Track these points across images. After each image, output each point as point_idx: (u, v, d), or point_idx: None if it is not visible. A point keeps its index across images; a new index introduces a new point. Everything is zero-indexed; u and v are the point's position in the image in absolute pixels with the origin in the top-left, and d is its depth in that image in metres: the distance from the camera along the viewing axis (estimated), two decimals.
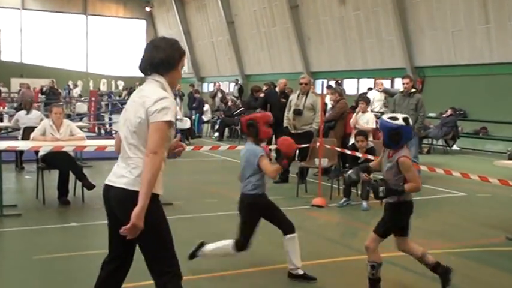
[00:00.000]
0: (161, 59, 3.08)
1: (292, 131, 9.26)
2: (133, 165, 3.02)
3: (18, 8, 35.89)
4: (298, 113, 9.26)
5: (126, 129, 3.09)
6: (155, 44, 3.14)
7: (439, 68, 18.62)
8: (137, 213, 2.85)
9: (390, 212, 4.35)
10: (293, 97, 9.55)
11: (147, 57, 3.12)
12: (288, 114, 9.42)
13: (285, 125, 9.41)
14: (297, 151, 9.37)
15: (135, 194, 2.91)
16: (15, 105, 17.91)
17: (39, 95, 24.16)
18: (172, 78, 3.14)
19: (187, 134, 16.41)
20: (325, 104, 10.51)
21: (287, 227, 4.67)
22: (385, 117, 4.37)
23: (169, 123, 2.99)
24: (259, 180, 4.60)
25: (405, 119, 4.24)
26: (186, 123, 16.28)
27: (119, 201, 3.04)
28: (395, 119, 4.24)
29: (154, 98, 2.99)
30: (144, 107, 2.99)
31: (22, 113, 10.72)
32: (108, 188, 3.12)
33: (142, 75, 3.26)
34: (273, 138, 9.58)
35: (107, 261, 3.25)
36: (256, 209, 4.64)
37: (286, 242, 4.66)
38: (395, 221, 4.35)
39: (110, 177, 3.13)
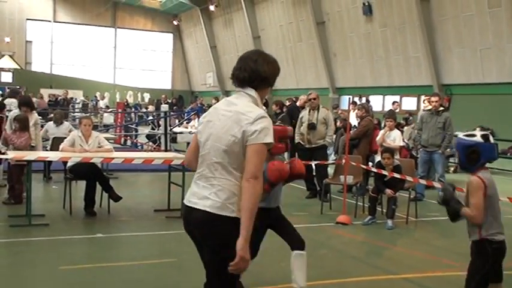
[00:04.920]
0: (266, 73, 2.91)
1: (307, 146, 9.33)
2: (219, 187, 2.78)
3: (50, 21, 36.79)
4: (312, 127, 9.31)
5: (210, 146, 2.84)
6: (260, 57, 2.95)
7: (467, 86, 18.43)
8: (243, 245, 2.65)
9: (475, 256, 3.71)
10: (304, 113, 9.57)
11: (251, 68, 2.90)
12: (301, 130, 9.45)
13: (297, 141, 9.43)
14: (314, 167, 9.39)
15: (221, 218, 2.74)
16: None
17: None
18: (263, 95, 2.95)
19: None
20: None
21: (295, 242, 4.42)
22: (461, 134, 3.89)
23: (269, 146, 2.78)
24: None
25: (484, 136, 3.72)
26: None
27: (201, 224, 2.81)
28: (473, 136, 3.75)
29: (252, 117, 2.76)
30: (240, 125, 2.76)
31: (51, 123, 10.88)
32: (189, 210, 2.88)
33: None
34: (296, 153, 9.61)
35: (206, 284, 3.03)
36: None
37: (292, 259, 4.39)
38: (484, 268, 3.64)
39: (190, 198, 2.90)
